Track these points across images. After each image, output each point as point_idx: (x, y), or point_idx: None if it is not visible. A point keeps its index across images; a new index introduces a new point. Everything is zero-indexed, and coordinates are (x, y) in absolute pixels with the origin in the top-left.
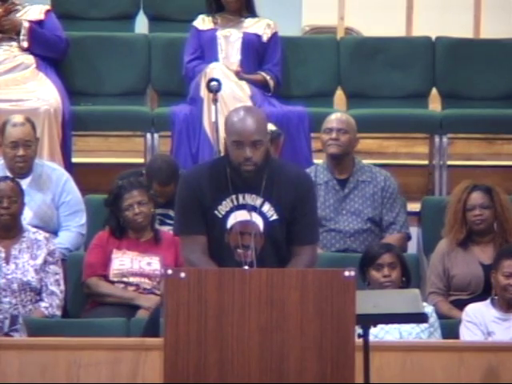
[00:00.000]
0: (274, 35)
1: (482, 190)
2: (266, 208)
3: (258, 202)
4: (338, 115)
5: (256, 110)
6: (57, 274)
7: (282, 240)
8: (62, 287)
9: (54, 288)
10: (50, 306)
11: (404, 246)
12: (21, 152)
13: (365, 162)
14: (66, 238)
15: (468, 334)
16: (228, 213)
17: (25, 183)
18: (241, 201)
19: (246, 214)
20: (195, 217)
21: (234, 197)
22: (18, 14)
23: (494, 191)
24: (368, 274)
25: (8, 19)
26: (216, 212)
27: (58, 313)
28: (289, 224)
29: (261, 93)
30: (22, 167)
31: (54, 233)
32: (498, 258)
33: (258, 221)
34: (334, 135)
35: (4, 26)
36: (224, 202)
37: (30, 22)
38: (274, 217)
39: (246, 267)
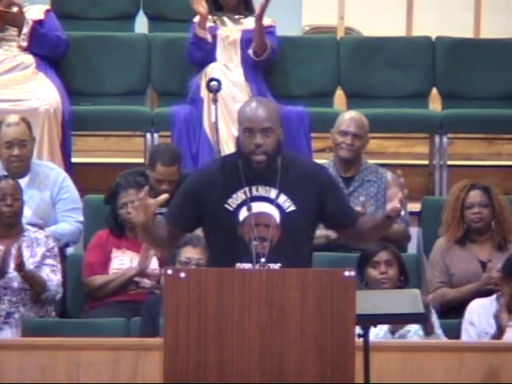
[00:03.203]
0: (271, 26)
1: (481, 188)
2: (282, 199)
3: (273, 193)
4: (355, 117)
5: (268, 101)
6: (53, 265)
7: (300, 231)
8: (60, 278)
9: (51, 275)
10: (51, 284)
11: (403, 242)
12: (16, 152)
13: None
14: (66, 228)
15: (467, 335)
16: (240, 205)
17: (23, 182)
18: (254, 193)
19: (261, 206)
20: (181, 210)
21: (246, 189)
22: None
23: (491, 190)
24: (365, 273)
25: (11, 14)
26: (226, 205)
27: (60, 291)
28: (335, 214)
29: (261, 93)
30: (18, 167)
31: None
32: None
33: (274, 212)
34: (349, 141)
35: (7, 21)
36: (235, 195)
37: (34, 21)
38: (292, 208)
39: (263, 260)
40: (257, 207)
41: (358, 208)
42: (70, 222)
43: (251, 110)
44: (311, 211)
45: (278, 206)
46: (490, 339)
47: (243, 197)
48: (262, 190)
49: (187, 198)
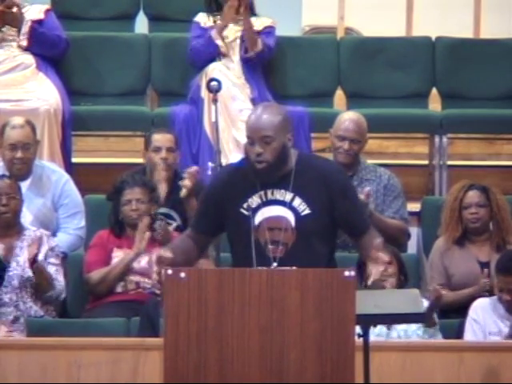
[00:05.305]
0: (270, 27)
1: (479, 189)
2: (297, 203)
3: (288, 197)
4: (353, 120)
5: (275, 108)
6: (57, 265)
7: (316, 234)
8: (63, 278)
9: (56, 274)
10: (58, 283)
11: (402, 238)
12: (19, 154)
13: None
14: (64, 240)
15: (471, 333)
16: (256, 209)
17: (24, 186)
18: (269, 197)
19: (275, 210)
20: (203, 216)
21: (262, 193)
22: None
23: (490, 191)
24: (365, 273)
25: (11, 14)
26: (242, 210)
27: (64, 292)
28: (344, 221)
29: (261, 94)
30: (20, 169)
31: (54, 235)
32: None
33: (290, 216)
34: (346, 146)
35: (6, 21)
36: (250, 200)
37: (33, 21)
38: (307, 211)
39: (275, 264)
40: (272, 211)
41: (362, 196)
42: (69, 231)
43: (253, 118)
44: (326, 214)
45: (293, 210)
46: (502, 339)
47: (259, 201)
48: (277, 194)
49: (209, 204)
